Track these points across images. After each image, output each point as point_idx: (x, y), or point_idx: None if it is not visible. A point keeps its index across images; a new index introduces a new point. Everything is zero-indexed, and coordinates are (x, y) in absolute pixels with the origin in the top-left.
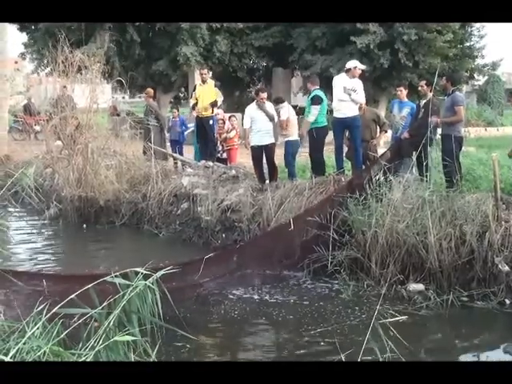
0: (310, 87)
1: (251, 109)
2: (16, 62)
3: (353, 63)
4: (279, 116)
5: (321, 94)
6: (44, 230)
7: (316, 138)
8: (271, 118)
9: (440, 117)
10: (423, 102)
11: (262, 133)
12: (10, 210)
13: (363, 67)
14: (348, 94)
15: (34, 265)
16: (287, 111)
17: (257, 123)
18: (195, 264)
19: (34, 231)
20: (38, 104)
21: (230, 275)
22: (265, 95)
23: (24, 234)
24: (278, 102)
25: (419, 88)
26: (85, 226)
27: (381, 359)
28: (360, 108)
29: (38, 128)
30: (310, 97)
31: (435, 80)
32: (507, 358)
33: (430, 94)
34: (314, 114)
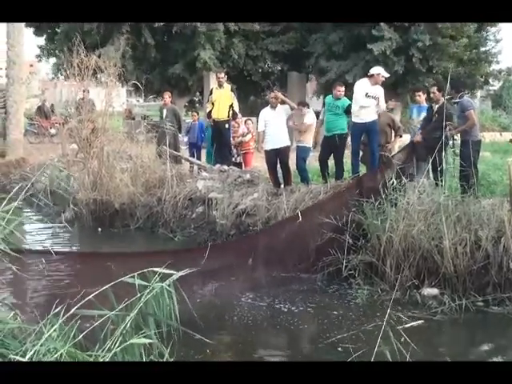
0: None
1: (265, 112)
2: (31, 66)
3: (377, 70)
4: (303, 120)
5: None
6: (59, 232)
7: (339, 144)
8: (292, 108)
9: (454, 124)
10: (436, 106)
11: (275, 136)
12: (26, 211)
13: (387, 75)
14: (371, 99)
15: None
16: (312, 116)
17: (270, 127)
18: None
19: (50, 234)
20: (54, 106)
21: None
22: (275, 94)
23: (39, 236)
24: (303, 105)
25: (431, 95)
26: (100, 229)
27: None
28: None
29: (53, 131)
30: (346, 106)
31: (447, 85)
32: None
33: (443, 99)
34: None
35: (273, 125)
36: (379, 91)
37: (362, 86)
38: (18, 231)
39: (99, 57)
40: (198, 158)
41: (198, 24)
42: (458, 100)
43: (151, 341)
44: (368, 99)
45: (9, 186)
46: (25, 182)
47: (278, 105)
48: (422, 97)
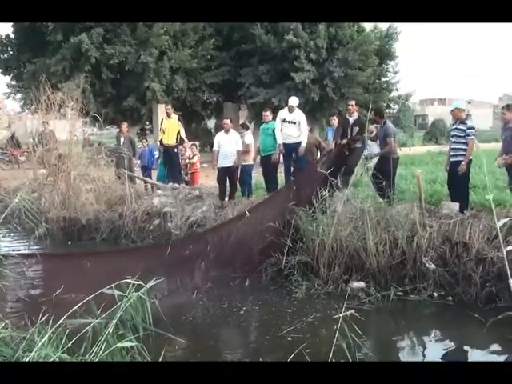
0: (268, 118)
1: (219, 135)
2: None
3: (290, 100)
4: (244, 141)
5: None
6: (34, 247)
7: (272, 162)
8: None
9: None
10: (352, 119)
11: (225, 156)
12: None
13: (292, 103)
14: (290, 124)
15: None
16: (250, 137)
17: (222, 148)
18: None
19: (25, 249)
20: (20, 137)
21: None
22: (227, 121)
23: (15, 251)
24: (243, 127)
25: (349, 107)
26: (69, 242)
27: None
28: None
29: (22, 158)
30: (273, 128)
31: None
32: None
33: (357, 113)
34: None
35: (224, 146)
36: (298, 117)
37: (280, 114)
38: None
39: (62, 91)
40: (150, 178)
41: (149, 59)
42: (382, 125)
43: (134, 343)
44: (286, 124)
45: None
46: (0, 203)
47: (231, 130)
48: (336, 120)
